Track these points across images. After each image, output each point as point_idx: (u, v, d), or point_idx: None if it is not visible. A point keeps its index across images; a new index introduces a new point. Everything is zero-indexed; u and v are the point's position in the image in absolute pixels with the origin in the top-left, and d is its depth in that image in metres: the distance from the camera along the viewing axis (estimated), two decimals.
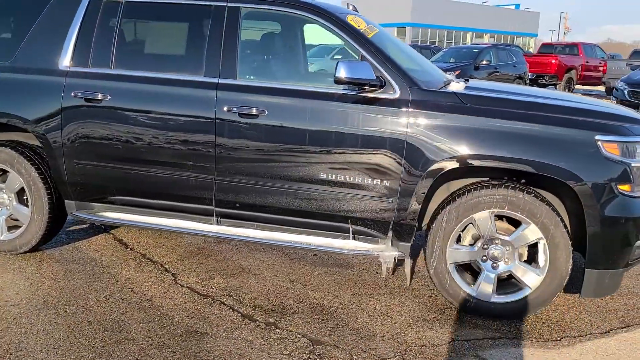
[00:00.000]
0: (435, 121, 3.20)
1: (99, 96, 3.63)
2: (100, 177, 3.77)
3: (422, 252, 3.53)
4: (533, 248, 3.27)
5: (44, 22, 3.84)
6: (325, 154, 3.34)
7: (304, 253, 4.28)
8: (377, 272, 3.96)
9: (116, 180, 3.75)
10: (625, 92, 11.33)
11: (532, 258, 3.30)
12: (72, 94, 3.68)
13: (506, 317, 3.31)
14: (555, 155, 3.07)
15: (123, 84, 3.63)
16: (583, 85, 21.03)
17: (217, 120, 3.46)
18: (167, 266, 3.95)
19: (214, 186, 3.57)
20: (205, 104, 3.48)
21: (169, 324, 3.14)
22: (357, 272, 3.96)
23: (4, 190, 4.01)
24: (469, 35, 58.23)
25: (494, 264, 3.29)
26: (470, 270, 3.43)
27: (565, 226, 3.14)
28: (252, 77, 3.70)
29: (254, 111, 3.40)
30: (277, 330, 3.12)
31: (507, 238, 3.25)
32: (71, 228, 4.69)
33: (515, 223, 3.26)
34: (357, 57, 3.43)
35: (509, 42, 47.46)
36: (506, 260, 3.28)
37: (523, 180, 3.35)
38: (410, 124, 3.21)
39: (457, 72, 11.67)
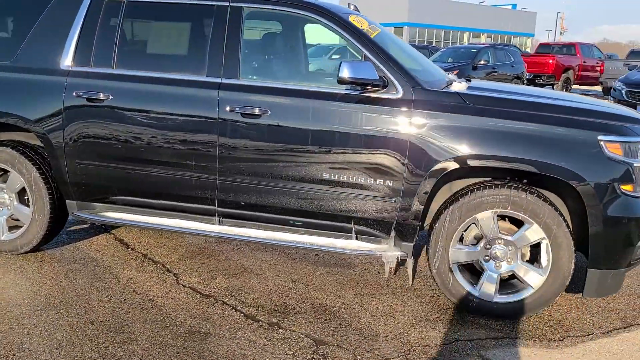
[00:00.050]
0: (438, 121, 3.20)
1: (101, 96, 3.62)
2: (101, 177, 3.76)
3: (424, 252, 3.53)
4: (536, 248, 3.28)
5: (45, 22, 3.83)
6: (327, 154, 3.34)
7: (306, 253, 4.27)
8: (379, 272, 3.97)
9: (118, 180, 3.74)
10: (623, 92, 11.34)
11: (534, 258, 3.31)
12: (74, 93, 3.67)
13: (509, 317, 3.32)
14: (558, 155, 3.08)
15: (125, 83, 3.62)
16: (580, 85, 21.06)
17: (219, 120, 3.46)
18: (169, 266, 3.95)
19: (216, 186, 3.56)
20: (208, 103, 3.47)
21: (172, 324, 3.13)
22: (359, 272, 3.96)
23: (5, 190, 4.00)
24: (466, 35, 58.31)
25: (497, 264, 3.29)
26: (473, 270, 3.43)
27: (567, 226, 3.15)
28: (254, 77, 3.70)
29: (257, 111, 3.40)
30: (281, 330, 3.11)
31: (509, 238, 3.25)
32: (72, 228, 4.68)
33: (518, 223, 3.26)
34: (359, 57, 3.43)
35: (506, 42, 47.61)
36: (509, 260, 3.29)
37: (525, 180, 3.35)
38: (413, 124, 3.21)
39: (455, 72, 11.66)
